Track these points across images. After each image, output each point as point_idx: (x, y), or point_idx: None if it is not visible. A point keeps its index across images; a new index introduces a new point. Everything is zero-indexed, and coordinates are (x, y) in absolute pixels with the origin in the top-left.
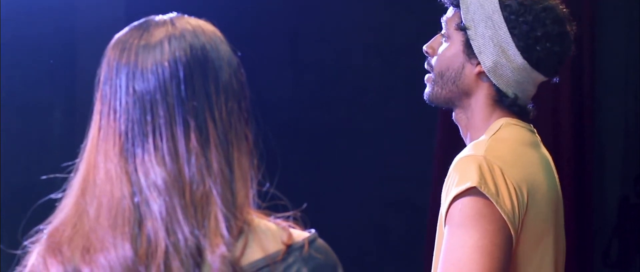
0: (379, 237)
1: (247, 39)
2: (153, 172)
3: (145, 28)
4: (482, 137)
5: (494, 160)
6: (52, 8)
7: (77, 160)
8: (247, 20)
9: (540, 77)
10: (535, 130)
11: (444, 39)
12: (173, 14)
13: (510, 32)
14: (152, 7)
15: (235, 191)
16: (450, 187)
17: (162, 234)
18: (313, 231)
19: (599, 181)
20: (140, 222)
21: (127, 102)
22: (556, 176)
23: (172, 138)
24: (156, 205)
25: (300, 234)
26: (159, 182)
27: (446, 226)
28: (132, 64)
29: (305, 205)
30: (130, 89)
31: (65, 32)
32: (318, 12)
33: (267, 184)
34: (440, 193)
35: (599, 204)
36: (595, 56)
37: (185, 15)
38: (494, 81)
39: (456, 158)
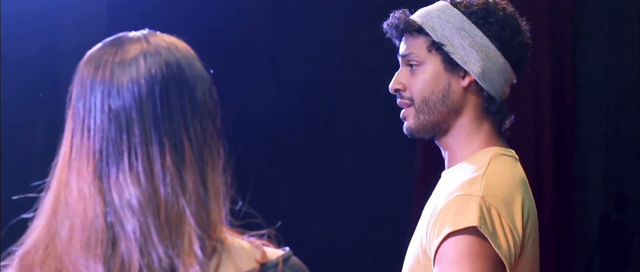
0: (360, 253)
1: (229, 55)
2: (127, 191)
3: (120, 44)
4: (471, 170)
5: (491, 201)
6: (36, 28)
7: (47, 179)
8: (228, 37)
9: (513, 78)
10: (518, 157)
11: (412, 68)
12: (146, 31)
13: (486, 35)
14: (134, 28)
15: (209, 209)
16: (444, 222)
17: (136, 255)
18: (287, 248)
19: (580, 198)
20: (113, 243)
21: (102, 120)
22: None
23: (148, 157)
24: (130, 225)
25: (274, 252)
26: (134, 201)
27: (436, 265)
28: (107, 81)
29: (279, 223)
30: (105, 107)
31: (48, 51)
32: (299, 29)
33: (244, 202)
34: (421, 209)
35: (581, 221)
36: (576, 73)
37: (158, 32)
38: (484, 87)
39: (444, 190)
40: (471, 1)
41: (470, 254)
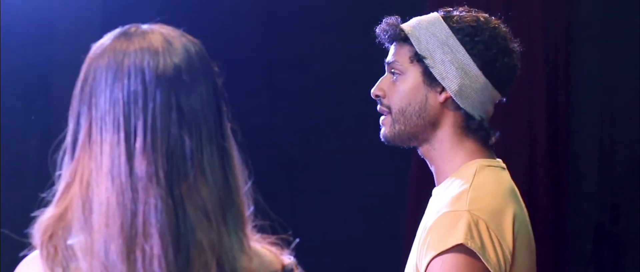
0: (354, 265)
1: (223, 65)
2: (199, 197)
3: (133, 35)
4: (458, 184)
5: (479, 214)
6: (29, 38)
7: (62, 173)
8: (223, 47)
9: (497, 96)
10: (505, 166)
11: (395, 76)
12: (159, 26)
13: (469, 53)
14: None
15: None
16: (431, 242)
17: (203, 236)
18: (292, 257)
19: (574, 208)
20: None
21: (152, 117)
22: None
23: (214, 158)
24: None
25: (286, 260)
26: (204, 204)
27: None
28: (132, 74)
29: (290, 232)
30: (139, 99)
31: (43, 61)
32: (294, 40)
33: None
34: (415, 221)
35: (575, 231)
36: (571, 83)
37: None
38: (461, 105)
39: (434, 207)
40: (463, 17)
41: None
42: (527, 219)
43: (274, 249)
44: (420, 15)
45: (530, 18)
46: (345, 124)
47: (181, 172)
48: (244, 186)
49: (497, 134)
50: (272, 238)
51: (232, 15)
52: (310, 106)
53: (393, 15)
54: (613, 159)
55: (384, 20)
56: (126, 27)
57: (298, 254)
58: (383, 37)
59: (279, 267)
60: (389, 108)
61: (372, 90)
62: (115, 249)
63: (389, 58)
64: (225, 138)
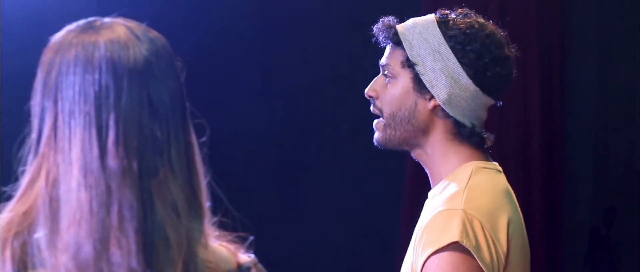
0: (350, 267)
1: (216, 70)
2: (169, 195)
3: (98, 28)
4: (453, 185)
5: (474, 213)
6: (29, 40)
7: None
8: (216, 52)
9: (490, 101)
10: (501, 169)
11: (387, 79)
12: (122, 19)
13: (460, 62)
14: None
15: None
16: (427, 241)
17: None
18: (252, 255)
19: (569, 213)
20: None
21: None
22: (521, 214)
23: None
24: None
25: (245, 258)
26: (174, 200)
27: None
28: (103, 67)
29: (252, 237)
30: (91, 89)
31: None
32: (288, 44)
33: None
34: (411, 223)
35: (570, 236)
36: (565, 87)
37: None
38: (450, 113)
39: (430, 208)
40: (458, 21)
41: (454, 271)
42: (522, 222)
43: (231, 246)
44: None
45: (525, 22)
46: (341, 126)
47: (152, 167)
48: (204, 181)
49: (492, 137)
50: (231, 236)
51: (228, 18)
52: (306, 109)
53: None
54: (608, 162)
55: (381, 19)
56: (89, 20)
57: (295, 255)
58: (379, 36)
59: (234, 265)
60: (381, 111)
61: (366, 91)
62: (89, 245)
63: (383, 60)
64: (189, 133)
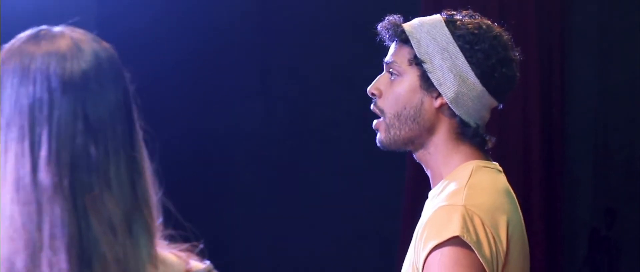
0: (350, 268)
1: (217, 71)
2: (106, 210)
3: (43, 38)
4: (454, 184)
5: (474, 209)
6: None
7: None
8: (216, 53)
9: (494, 103)
10: (501, 169)
11: (392, 77)
12: (70, 29)
13: (468, 61)
14: (121, 46)
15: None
16: (428, 236)
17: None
18: (208, 262)
19: (569, 213)
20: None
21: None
22: (521, 214)
23: (117, 169)
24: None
25: (197, 265)
26: (111, 215)
27: None
28: (38, 80)
29: (202, 242)
30: (23, 102)
31: None
32: (288, 45)
33: (170, 209)
34: (411, 224)
35: (569, 236)
36: (565, 87)
37: (77, 30)
38: (456, 112)
39: (430, 207)
40: (465, 21)
41: (455, 266)
42: (522, 222)
43: (183, 254)
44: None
45: (525, 22)
46: (339, 128)
47: (85, 183)
48: (154, 196)
49: (494, 139)
50: (185, 245)
51: (226, 20)
52: (305, 111)
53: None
54: (608, 163)
55: (386, 17)
56: (37, 29)
57: (295, 255)
58: (384, 34)
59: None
60: (382, 111)
61: (368, 88)
62: (21, 262)
63: (388, 58)
64: (135, 148)
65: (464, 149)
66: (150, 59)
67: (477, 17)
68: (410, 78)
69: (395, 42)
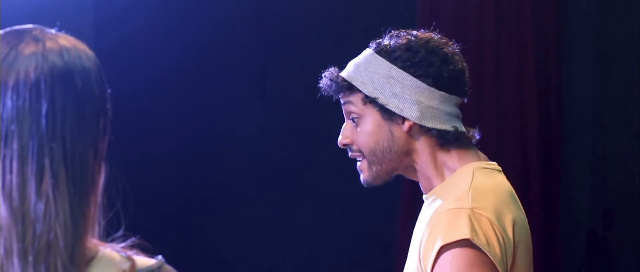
0: (348, 269)
1: (214, 75)
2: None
3: (14, 44)
4: (456, 187)
5: (481, 211)
6: None
7: None
8: (214, 57)
9: (458, 99)
10: (500, 168)
11: (354, 123)
12: (42, 30)
13: (415, 76)
14: (119, 50)
15: (82, 235)
16: (435, 237)
17: None
18: (160, 257)
19: (567, 214)
20: None
21: None
22: (524, 214)
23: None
24: None
25: (145, 261)
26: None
27: None
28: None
29: (138, 237)
30: None
31: None
32: (286, 49)
33: (126, 209)
34: (408, 229)
35: (567, 238)
36: (562, 89)
37: (58, 32)
38: (429, 126)
39: (431, 210)
40: (394, 44)
41: (469, 267)
42: (526, 222)
43: (131, 252)
44: (411, 23)
45: (521, 25)
46: (337, 131)
47: (38, 180)
48: (96, 201)
49: (476, 132)
50: (132, 242)
51: (225, 23)
52: (303, 114)
53: (385, 24)
54: (605, 165)
55: (323, 75)
56: (16, 28)
57: (295, 256)
58: (329, 91)
59: (127, 269)
60: (361, 153)
61: (338, 141)
62: None
63: (344, 109)
64: (92, 150)
65: (455, 154)
66: (148, 62)
67: (401, 33)
68: (371, 116)
69: (342, 94)
